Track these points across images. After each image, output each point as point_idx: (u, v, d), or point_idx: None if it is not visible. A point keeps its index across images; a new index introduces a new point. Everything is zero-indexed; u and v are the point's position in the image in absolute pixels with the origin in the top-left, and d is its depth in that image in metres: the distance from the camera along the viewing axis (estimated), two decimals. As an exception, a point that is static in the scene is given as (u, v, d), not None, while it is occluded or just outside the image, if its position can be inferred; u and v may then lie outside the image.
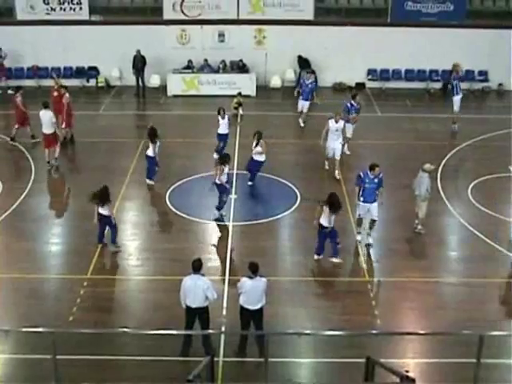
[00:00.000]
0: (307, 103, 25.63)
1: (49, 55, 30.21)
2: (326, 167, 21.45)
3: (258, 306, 12.73)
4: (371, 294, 15.14)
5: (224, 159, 18.19)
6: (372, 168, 16.65)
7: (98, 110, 28.02)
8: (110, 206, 16.52)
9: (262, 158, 19.98)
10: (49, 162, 21.69)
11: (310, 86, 25.64)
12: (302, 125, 25.68)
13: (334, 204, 15.74)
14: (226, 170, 18.11)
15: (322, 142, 21.06)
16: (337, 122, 20.82)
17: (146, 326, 13.79)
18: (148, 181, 20.37)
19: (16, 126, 23.64)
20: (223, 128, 21.85)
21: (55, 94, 24.04)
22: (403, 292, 15.34)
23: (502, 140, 24.09)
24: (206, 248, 17.09)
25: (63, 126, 23.26)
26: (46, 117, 21.61)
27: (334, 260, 16.21)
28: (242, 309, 12.81)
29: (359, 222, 17.30)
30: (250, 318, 12.81)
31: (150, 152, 20.06)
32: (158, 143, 20.00)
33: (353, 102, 22.64)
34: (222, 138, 21.94)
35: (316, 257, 16.36)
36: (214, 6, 30.42)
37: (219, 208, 18.34)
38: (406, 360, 12.95)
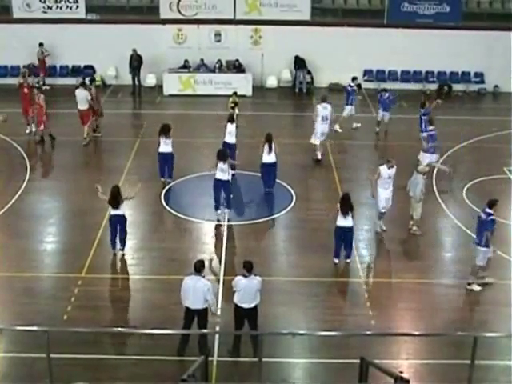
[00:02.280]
0: (387, 114, 24.92)
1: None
2: (383, 228, 17.88)
3: (251, 305, 12.74)
4: (366, 295, 15.16)
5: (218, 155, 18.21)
6: (494, 204, 14.97)
7: (94, 109, 27.94)
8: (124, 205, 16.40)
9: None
10: (85, 138, 23.28)
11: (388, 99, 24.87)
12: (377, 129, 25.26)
13: (346, 206, 15.94)
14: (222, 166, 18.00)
15: (373, 192, 17.69)
16: (389, 168, 17.43)
17: (140, 326, 13.77)
18: (168, 179, 20.36)
19: (93, 118, 24.10)
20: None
21: (26, 90, 24.02)
22: (398, 293, 15.38)
23: (497, 142, 24.18)
24: (201, 247, 17.10)
25: (41, 127, 23.32)
26: (82, 95, 23.37)
27: (348, 261, 16.39)
28: (236, 307, 12.82)
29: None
30: (244, 316, 12.83)
31: (168, 148, 19.97)
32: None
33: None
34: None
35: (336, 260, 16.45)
36: (211, 6, 30.42)
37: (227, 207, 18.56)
38: (400, 361, 12.97)
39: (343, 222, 15.99)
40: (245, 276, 12.64)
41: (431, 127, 21.10)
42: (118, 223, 16.35)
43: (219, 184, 18.08)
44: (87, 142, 23.32)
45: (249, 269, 12.62)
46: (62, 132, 24.41)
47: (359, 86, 26.16)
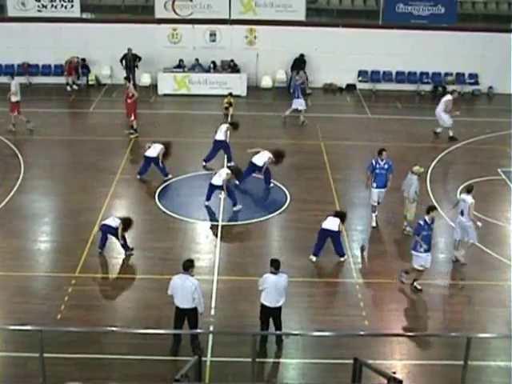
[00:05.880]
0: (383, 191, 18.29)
1: (39, 52, 30.10)
2: None
3: (277, 304, 12.88)
4: (359, 295, 15.16)
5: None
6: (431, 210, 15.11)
7: (89, 108, 27.91)
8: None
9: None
10: (14, 125, 24.28)
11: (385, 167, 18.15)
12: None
13: None
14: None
15: None
16: None
17: (134, 325, 13.77)
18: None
19: (131, 118, 24.42)
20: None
21: None
22: (391, 293, 15.37)
23: (491, 143, 24.22)
24: (195, 247, 17.08)
25: None
26: (13, 87, 24.28)
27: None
28: (263, 306, 12.94)
29: None
30: (269, 315, 12.97)
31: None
32: None
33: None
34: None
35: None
36: (206, 6, 30.41)
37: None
38: (394, 361, 12.98)
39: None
40: (274, 273, 12.78)
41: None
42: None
43: None
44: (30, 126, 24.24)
45: (277, 266, 12.80)
46: (57, 131, 24.41)
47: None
